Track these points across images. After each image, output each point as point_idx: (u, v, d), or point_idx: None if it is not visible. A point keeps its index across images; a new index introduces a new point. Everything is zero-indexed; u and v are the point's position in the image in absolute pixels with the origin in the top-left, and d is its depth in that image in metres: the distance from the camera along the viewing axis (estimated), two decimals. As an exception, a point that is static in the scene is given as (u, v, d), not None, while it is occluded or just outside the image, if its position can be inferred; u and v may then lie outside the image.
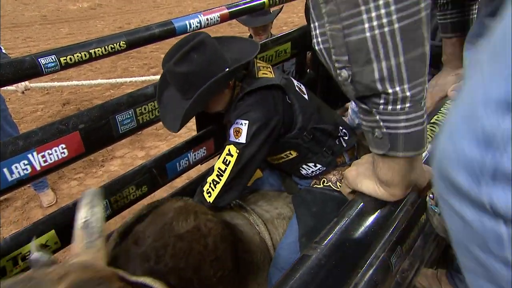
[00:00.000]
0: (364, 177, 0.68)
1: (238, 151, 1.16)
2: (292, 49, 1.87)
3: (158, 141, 3.83)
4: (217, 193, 1.19)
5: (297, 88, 1.32)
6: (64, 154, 1.11)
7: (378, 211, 0.51)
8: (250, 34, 2.48)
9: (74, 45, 1.05)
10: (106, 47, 1.12)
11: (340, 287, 0.43)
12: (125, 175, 1.38)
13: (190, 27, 1.34)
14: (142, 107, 1.29)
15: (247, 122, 1.15)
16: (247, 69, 1.27)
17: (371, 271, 0.64)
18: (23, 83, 2.26)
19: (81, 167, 3.47)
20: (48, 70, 0.98)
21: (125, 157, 3.67)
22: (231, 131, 1.18)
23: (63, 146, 1.09)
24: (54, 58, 0.98)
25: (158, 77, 1.31)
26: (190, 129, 3.52)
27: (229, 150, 1.17)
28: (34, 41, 6.71)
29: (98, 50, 1.10)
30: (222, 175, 1.18)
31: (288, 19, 7.74)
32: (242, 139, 1.16)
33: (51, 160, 1.07)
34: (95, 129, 1.18)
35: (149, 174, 1.44)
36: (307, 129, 1.26)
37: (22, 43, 6.59)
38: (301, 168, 1.35)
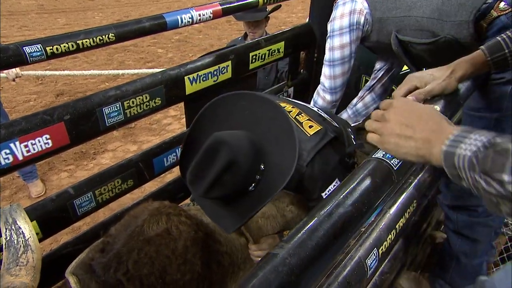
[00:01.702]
0: (401, 148, 0.62)
1: None
2: (285, 48, 1.87)
3: (151, 136, 3.81)
4: None
5: (333, 123, 1.23)
6: (48, 144, 1.10)
7: (351, 213, 0.51)
8: (245, 32, 2.47)
9: (61, 35, 1.04)
10: (95, 38, 1.11)
11: (308, 287, 0.43)
12: (111, 168, 1.37)
13: (182, 22, 1.33)
14: (130, 100, 1.28)
15: (336, 180, 1.09)
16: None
17: (344, 273, 0.64)
18: (14, 70, 2.23)
19: (72, 159, 3.45)
20: (33, 59, 0.97)
21: (117, 151, 3.65)
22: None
23: (47, 136, 1.08)
24: (40, 47, 0.97)
25: (154, 70, 1.29)
26: (183, 125, 3.51)
27: None
28: (30, 30, 6.64)
29: (86, 41, 1.09)
30: None
31: (287, 19, 7.73)
32: None
33: (34, 150, 1.06)
34: (81, 121, 1.17)
35: (135, 168, 1.43)
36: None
37: (17, 31, 6.53)
38: None
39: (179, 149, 1.58)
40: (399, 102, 0.66)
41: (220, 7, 1.45)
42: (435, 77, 0.89)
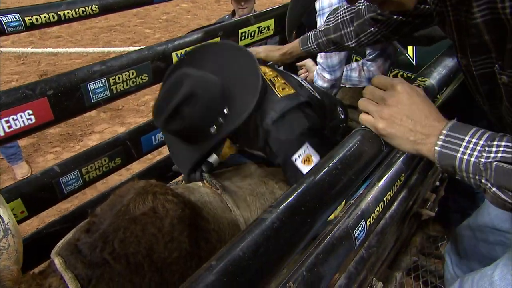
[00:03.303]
0: (397, 136, 0.63)
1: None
2: (275, 26, 1.84)
3: (139, 118, 3.76)
4: None
5: (312, 92, 1.23)
6: (31, 120, 1.07)
7: (340, 179, 0.51)
8: (233, 10, 2.42)
9: (40, 4, 0.99)
10: (77, 9, 1.06)
11: (294, 250, 0.43)
12: (98, 146, 1.35)
13: (168, -5, 1.29)
14: (116, 76, 1.25)
15: (307, 144, 1.05)
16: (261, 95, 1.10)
17: (332, 242, 0.65)
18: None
19: (58, 141, 3.40)
20: (11, 30, 0.93)
21: (104, 133, 3.60)
22: (300, 165, 1.05)
23: (30, 112, 1.05)
24: (18, 17, 0.93)
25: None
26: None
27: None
28: (8, 4, 6.40)
29: (68, 13, 1.04)
30: None
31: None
32: (316, 158, 1.05)
33: (16, 126, 1.03)
34: (65, 97, 1.13)
35: (122, 147, 1.41)
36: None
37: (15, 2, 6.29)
38: None
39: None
40: (404, 87, 0.64)
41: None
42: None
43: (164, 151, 2.69)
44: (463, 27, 0.67)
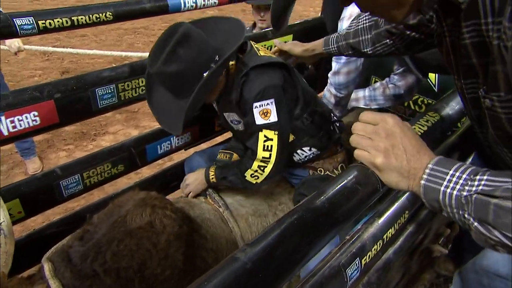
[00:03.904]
0: (393, 170, 0.62)
1: (276, 132, 1.17)
2: (294, 41, 1.84)
3: (154, 122, 3.77)
4: (266, 174, 1.22)
5: (296, 72, 1.34)
6: (36, 122, 1.09)
7: (327, 222, 0.48)
8: (254, 22, 2.43)
9: (55, 9, 1.02)
10: (91, 16, 1.09)
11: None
12: (102, 151, 1.37)
13: (185, 6, 1.31)
14: (125, 83, 1.27)
15: (272, 100, 1.14)
16: (243, 50, 1.24)
17: (321, 281, 0.62)
18: (16, 43, 2.23)
19: (72, 139, 3.47)
20: (24, 32, 0.96)
21: (118, 134, 3.65)
22: (257, 114, 1.16)
23: (35, 113, 1.08)
24: (32, 20, 0.96)
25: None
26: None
27: (265, 136, 1.17)
28: (41, 4, 6.68)
29: (82, 18, 1.07)
30: (268, 160, 1.19)
31: (304, 12, 7.64)
32: (273, 118, 1.15)
33: (20, 126, 1.05)
34: (72, 100, 1.16)
35: (127, 153, 1.42)
36: (307, 111, 1.29)
37: (29, 4, 6.57)
38: (294, 154, 1.36)
39: (174, 137, 1.56)
40: (395, 120, 0.64)
41: (227, -7, 1.42)
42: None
43: (175, 157, 2.71)
44: (457, 48, 0.67)
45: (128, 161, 1.44)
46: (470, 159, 1.09)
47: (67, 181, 1.26)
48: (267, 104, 1.14)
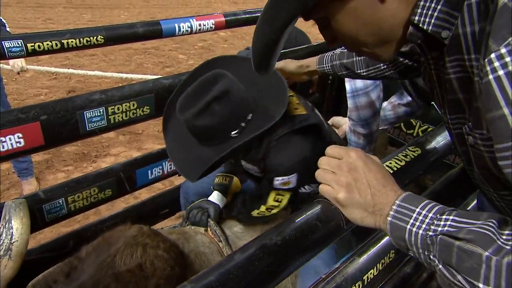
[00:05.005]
0: (357, 206, 0.62)
1: (290, 193, 1.20)
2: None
3: (158, 144, 3.86)
4: (272, 214, 1.24)
5: (322, 119, 1.30)
6: (20, 144, 1.12)
7: (277, 262, 0.47)
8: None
9: (45, 32, 1.07)
10: (81, 39, 1.14)
11: None
12: (88, 175, 1.39)
13: (180, 30, 1.35)
14: (115, 106, 1.31)
15: (295, 174, 1.14)
16: None
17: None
18: (19, 63, 2.33)
19: (72, 160, 3.54)
20: (12, 55, 1.01)
21: (119, 156, 3.71)
22: (277, 182, 1.16)
23: (19, 135, 1.11)
24: (21, 43, 1.00)
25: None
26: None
27: (278, 194, 1.20)
28: (54, 23, 7.00)
29: (72, 41, 1.12)
30: (277, 206, 1.22)
31: (319, 35, 7.77)
32: (292, 185, 1.17)
33: (3, 148, 1.09)
34: (59, 123, 1.19)
35: (115, 178, 1.44)
36: None
37: (42, 24, 6.89)
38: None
39: (166, 162, 1.58)
40: (358, 153, 0.65)
41: (224, 19, 1.47)
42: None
43: (177, 181, 2.72)
44: (442, 82, 0.68)
45: (116, 185, 1.45)
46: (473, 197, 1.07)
47: (50, 205, 1.28)
48: (290, 177, 1.15)
